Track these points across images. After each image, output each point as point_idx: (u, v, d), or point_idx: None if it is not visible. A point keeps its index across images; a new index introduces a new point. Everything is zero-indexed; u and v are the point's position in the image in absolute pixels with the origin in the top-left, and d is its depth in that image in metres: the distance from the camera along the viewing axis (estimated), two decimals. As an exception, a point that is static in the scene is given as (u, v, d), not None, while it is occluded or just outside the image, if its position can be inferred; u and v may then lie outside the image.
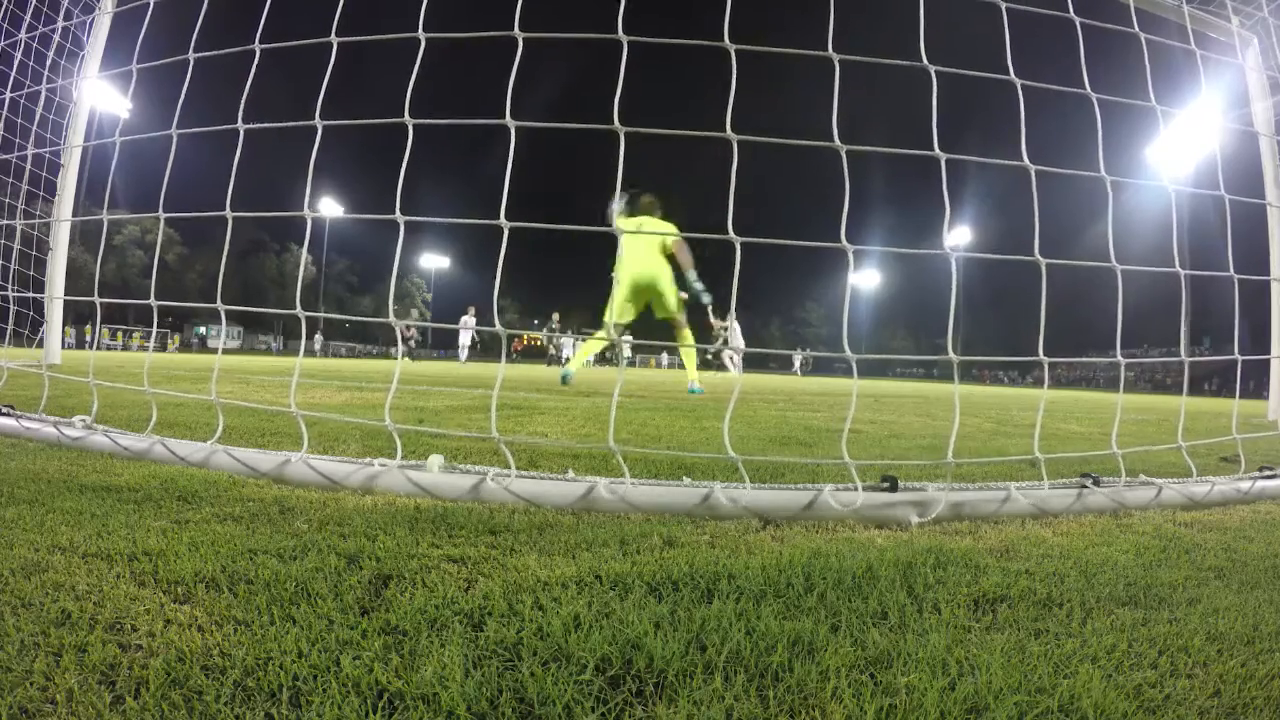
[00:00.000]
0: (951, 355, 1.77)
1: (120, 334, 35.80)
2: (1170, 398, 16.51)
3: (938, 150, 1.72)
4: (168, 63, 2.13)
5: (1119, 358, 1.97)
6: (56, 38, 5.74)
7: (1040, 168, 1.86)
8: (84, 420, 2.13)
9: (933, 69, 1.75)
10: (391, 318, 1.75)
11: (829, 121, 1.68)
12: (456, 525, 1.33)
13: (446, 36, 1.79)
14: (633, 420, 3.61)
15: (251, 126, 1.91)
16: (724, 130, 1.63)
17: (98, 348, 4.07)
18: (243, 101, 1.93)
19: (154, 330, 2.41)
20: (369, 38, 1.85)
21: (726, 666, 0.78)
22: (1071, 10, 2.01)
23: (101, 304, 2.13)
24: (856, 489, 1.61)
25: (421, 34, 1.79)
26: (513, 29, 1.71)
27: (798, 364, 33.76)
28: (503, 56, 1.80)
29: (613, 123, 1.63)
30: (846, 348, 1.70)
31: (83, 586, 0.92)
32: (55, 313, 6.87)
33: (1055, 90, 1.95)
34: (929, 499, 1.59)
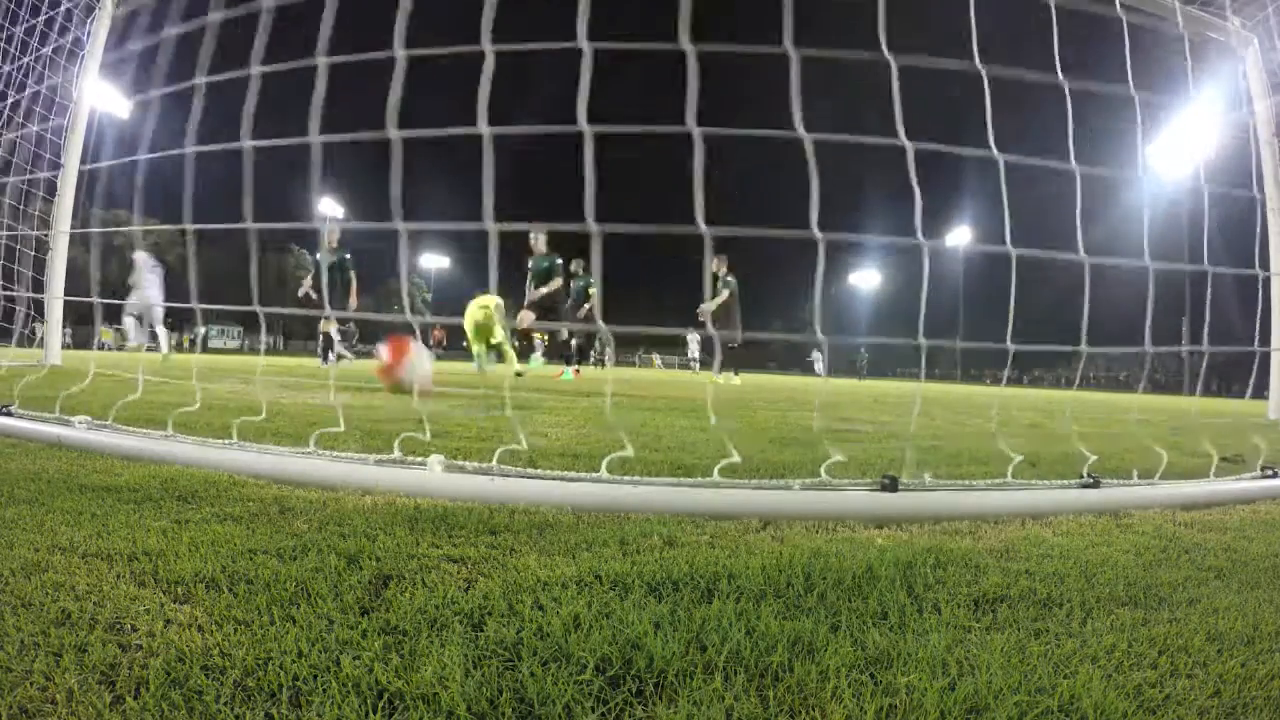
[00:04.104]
0: (923, 340, 1.77)
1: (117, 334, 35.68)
2: (1170, 398, 16.51)
3: (903, 139, 1.72)
4: (166, 65, 2.13)
5: (1113, 359, 1.97)
6: (56, 37, 5.74)
7: (1018, 158, 1.85)
8: (84, 420, 2.13)
9: (912, 62, 1.75)
10: (412, 319, 1.75)
11: (820, 116, 1.68)
12: (456, 525, 1.33)
13: (422, 53, 1.78)
14: (633, 420, 3.61)
15: (254, 144, 1.92)
16: (683, 124, 1.63)
17: (98, 347, 4.07)
18: (246, 106, 1.93)
19: (159, 333, 2.40)
20: (353, 56, 1.84)
21: (726, 666, 0.78)
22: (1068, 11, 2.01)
23: (101, 304, 2.13)
24: (859, 489, 1.61)
25: (399, 51, 1.78)
26: (489, 42, 1.71)
27: (819, 366, 31.81)
28: (503, 58, 1.79)
29: (577, 124, 1.63)
30: (818, 329, 1.70)
31: (83, 586, 0.92)
32: (55, 313, 6.87)
33: (1055, 91, 1.95)
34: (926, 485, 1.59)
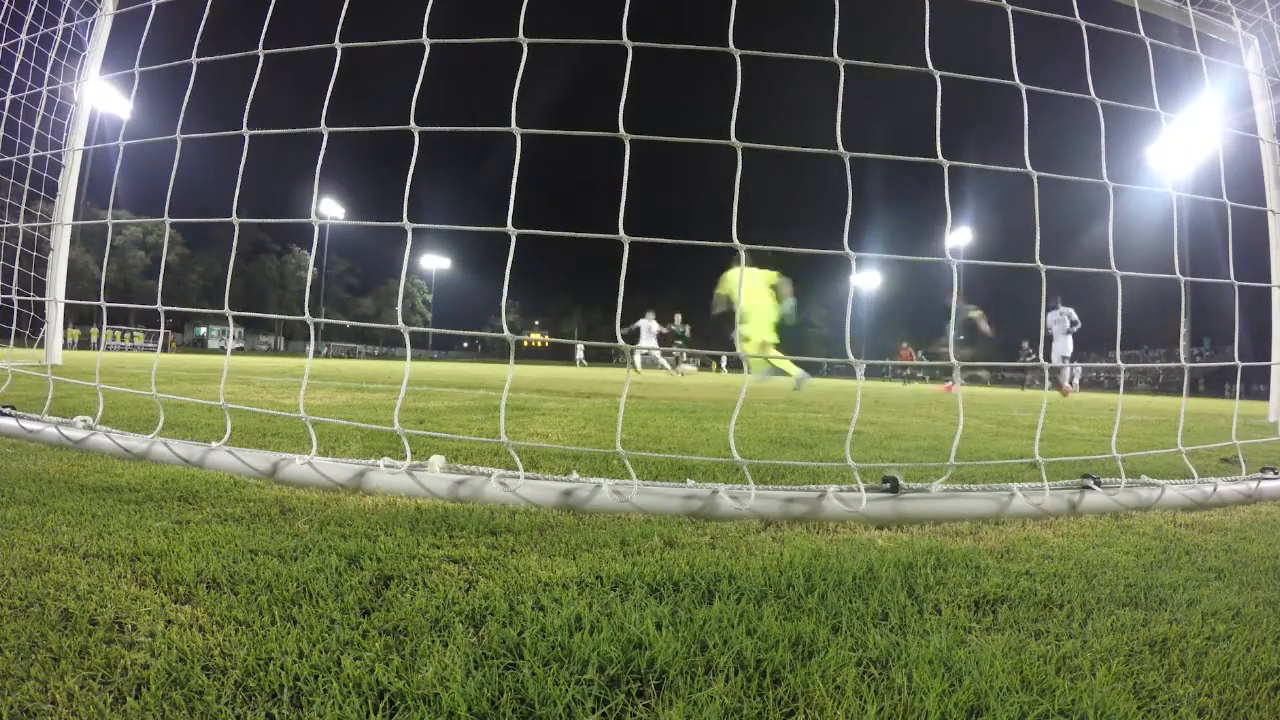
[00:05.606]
0: (954, 361, 1.77)
1: (119, 333, 35.78)
2: (1170, 398, 16.50)
3: (941, 158, 1.72)
4: (170, 66, 2.13)
5: (1119, 362, 1.97)
6: (58, 39, 5.75)
7: (1042, 174, 1.86)
8: (85, 421, 2.13)
9: (938, 74, 1.75)
10: (400, 322, 1.75)
11: (828, 123, 1.68)
12: (457, 526, 1.33)
13: (452, 42, 1.79)
14: (633, 421, 3.61)
15: (256, 133, 1.91)
16: (728, 137, 1.63)
17: (103, 348, 4.07)
18: (247, 105, 1.93)
19: (161, 332, 2.42)
20: (371, 43, 1.86)
21: (727, 667, 0.78)
22: (1076, 12, 2.01)
23: (104, 307, 2.13)
24: (859, 490, 1.61)
25: (426, 40, 1.79)
26: (516, 34, 1.71)
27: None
28: (497, 58, 1.80)
29: (617, 128, 1.63)
30: (849, 352, 1.70)
31: (84, 586, 0.92)
32: (56, 314, 6.88)
33: (1056, 92, 1.95)
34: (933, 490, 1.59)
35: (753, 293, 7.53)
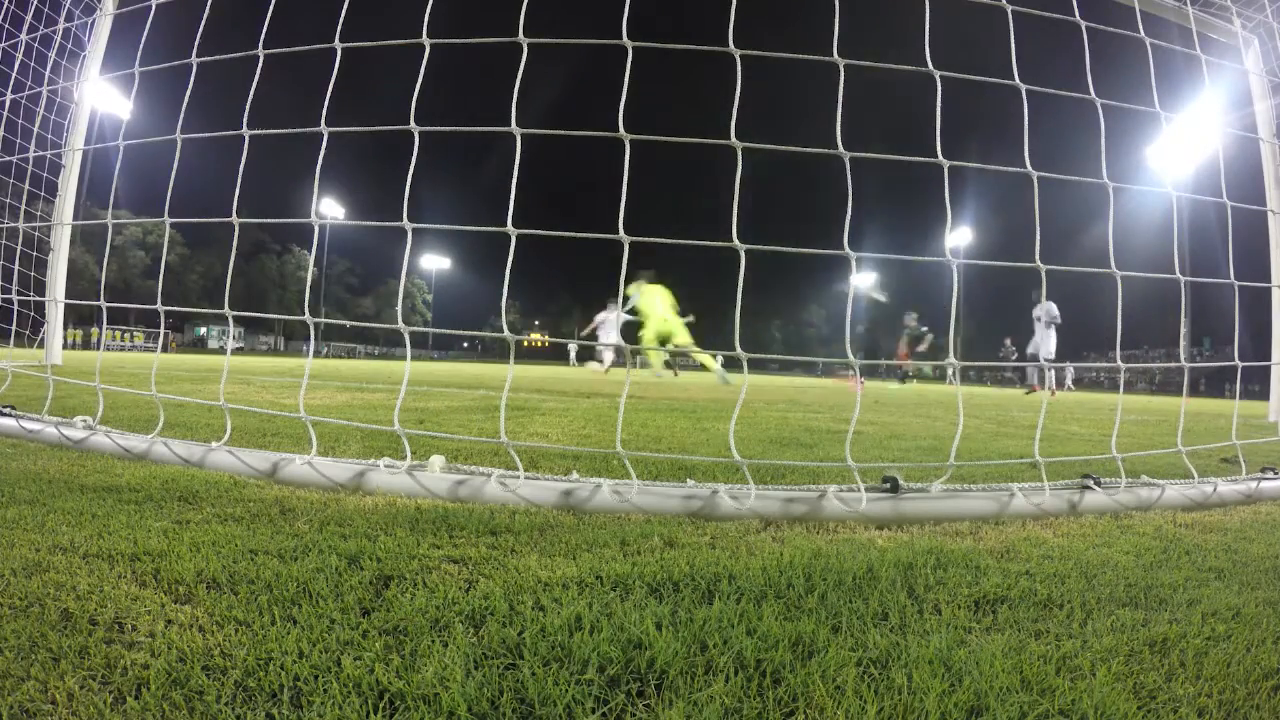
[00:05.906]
0: (953, 360, 1.77)
1: (119, 333, 35.78)
2: (1169, 398, 16.49)
3: (941, 158, 1.72)
4: (170, 66, 2.13)
5: (1119, 362, 1.97)
6: (58, 38, 5.75)
7: (1042, 174, 1.86)
8: (85, 421, 2.13)
9: (938, 74, 1.75)
10: (400, 322, 1.75)
11: (828, 123, 1.68)
12: (457, 526, 1.33)
13: (452, 42, 1.79)
14: (633, 421, 3.61)
15: (256, 133, 1.91)
16: (728, 137, 1.63)
17: (103, 348, 4.08)
18: (247, 105, 1.93)
19: (161, 332, 2.42)
20: (371, 43, 1.86)
21: (727, 667, 0.78)
22: (1076, 12, 2.01)
23: (104, 307, 2.13)
24: (859, 490, 1.61)
25: (426, 40, 1.79)
26: (516, 34, 1.71)
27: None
28: (497, 58, 1.80)
29: (617, 128, 1.63)
30: (849, 352, 1.70)
31: (84, 587, 0.92)
32: (56, 314, 6.88)
33: (1056, 92, 1.95)
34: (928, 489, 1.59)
35: (661, 304, 10.07)
